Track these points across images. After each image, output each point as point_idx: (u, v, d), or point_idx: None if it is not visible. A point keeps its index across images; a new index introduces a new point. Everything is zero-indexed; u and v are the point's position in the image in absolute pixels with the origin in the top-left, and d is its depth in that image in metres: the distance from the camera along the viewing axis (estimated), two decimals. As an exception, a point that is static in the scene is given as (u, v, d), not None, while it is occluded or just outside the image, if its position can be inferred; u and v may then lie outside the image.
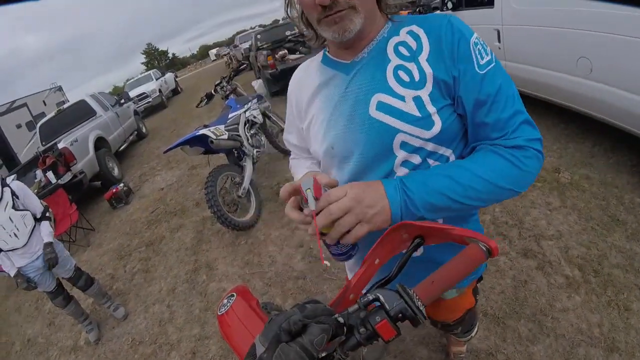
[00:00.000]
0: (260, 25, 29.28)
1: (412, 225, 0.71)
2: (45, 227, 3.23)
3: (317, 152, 1.12)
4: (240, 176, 4.43)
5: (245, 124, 4.85)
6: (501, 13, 4.36)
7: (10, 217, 3.07)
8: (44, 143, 8.98)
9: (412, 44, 0.94)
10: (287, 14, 1.08)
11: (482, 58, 0.90)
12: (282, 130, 6.05)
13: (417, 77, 0.91)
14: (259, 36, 11.57)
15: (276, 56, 9.54)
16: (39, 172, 6.82)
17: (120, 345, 3.40)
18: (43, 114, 14.09)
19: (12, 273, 3.09)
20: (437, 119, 0.91)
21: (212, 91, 5.96)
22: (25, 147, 12.29)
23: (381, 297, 0.61)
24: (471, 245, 0.66)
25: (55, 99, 17.66)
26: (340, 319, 0.60)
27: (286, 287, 3.26)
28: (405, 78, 0.93)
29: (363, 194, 0.83)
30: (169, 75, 23.53)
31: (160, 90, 18.71)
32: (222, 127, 4.52)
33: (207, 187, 3.95)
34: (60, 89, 19.36)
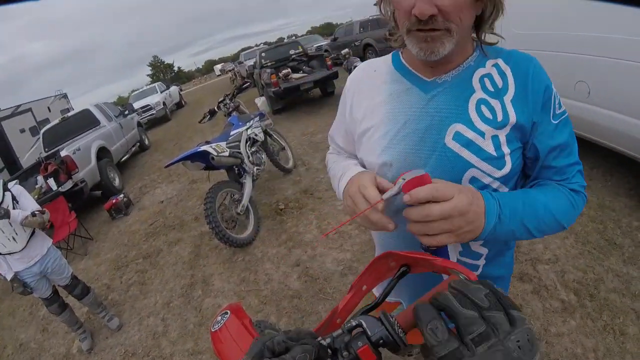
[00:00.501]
0: (265, 43, 29.44)
1: (399, 255, 0.74)
2: (19, 212, 3.11)
3: (370, 163, 1.05)
4: (239, 193, 4.47)
5: (246, 142, 4.91)
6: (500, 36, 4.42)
7: (9, 222, 3.10)
8: (46, 149, 9.04)
9: (498, 80, 0.93)
10: (380, 10, 0.99)
11: (559, 108, 0.95)
12: (282, 148, 6.12)
13: (499, 116, 0.90)
14: (263, 54, 11.73)
15: (280, 75, 9.64)
16: (40, 178, 6.86)
17: (112, 356, 3.41)
18: (47, 120, 14.15)
19: (9, 277, 3.12)
20: (508, 160, 0.91)
21: (215, 108, 6.04)
22: (28, 152, 12.33)
23: (364, 323, 0.63)
24: (452, 275, 0.69)
25: (60, 106, 17.71)
26: (324, 342, 0.63)
27: (281, 306, 3.28)
28: (488, 114, 0.91)
29: (469, 207, 0.78)
30: (174, 89, 23.64)
31: (164, 103, 18.76)
32: (223, 144, 4.58)
33: (206, 203, 4.00)
34: (65, 96, 19.42)
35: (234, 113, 5.82)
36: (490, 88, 0.92)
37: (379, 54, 14.04)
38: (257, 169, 4.90)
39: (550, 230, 0.93)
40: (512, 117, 0.90)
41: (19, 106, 14.45)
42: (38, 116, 15.09)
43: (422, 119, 0.94)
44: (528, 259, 2.99)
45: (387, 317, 0.62)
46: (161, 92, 20.07)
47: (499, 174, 0.91)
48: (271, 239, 4.37)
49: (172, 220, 5.91)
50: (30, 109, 14.89)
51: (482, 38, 0.95)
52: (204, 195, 4.17)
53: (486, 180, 0.92)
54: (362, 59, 11.27)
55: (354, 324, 0.64)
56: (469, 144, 0.90)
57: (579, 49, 3.33)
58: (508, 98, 0.91)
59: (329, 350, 0.63)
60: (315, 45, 18.03)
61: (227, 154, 4.42)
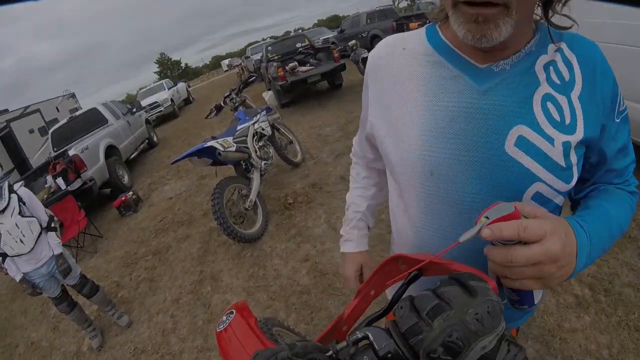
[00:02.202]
0: (271, 37, 29.42)
1: (411, 258, 0.68)
2: (53, 239, 3.28)
3: (400, 167, 0.86)
4: (247, 188, 4.44)
5: (253, 136, 4.87)
6: None
7: (16, 223, 3.11)
8: (55, 149, 9.09)
9: (564, 71, 0.77)
10: None
11: (622, 105, 0.81)
12: (290, 142, 6.08)
13: (568, 118, 0.75)
14: (269, 48, 11.71)
15: (286, 68, 9.59)
16: (49, 178, 6.90)
17: (122, 353, 3.41)
18: (56, 120, 14.23)
19: (18, 278, 3.13)
20: (575, 171, 0.77)
21: (222, 103, 6.01)
22: (37, 152, 12.43)
23: (370, 336, 0.58)
24: None
25: (68, 105, 17.84)
26: (331, 354, 0.59)
27: (290, 302, 3.25)
28: (556, 115, 0.75)
29: (562, 252, 0.62)
30: (181, 85, 23.69)
31: (172, 100, 18.79)
32: (230, 139, 4.55)
33: (214, 199, 3.97)
34: (73, 95, 19.56)
35: (241, 108, 5.79)
36: (557, 80, 0.76)
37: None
38: (264, 164, 4.86)
39: (616, 240, 0.81)
40: (580, 119, 0.75)
41: (27, 107, 14.58)
42: (47, 116, 15.21)
43: (474, 118, 0.76)
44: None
45: (396, 329, 0.56)
46: (169, 89, 20.11)
47: (566, 187, 0.77)
48: (280, 234, 4.34)
49: (181, 216, 5.91)
50: (38, 110, 15.02)
51: (550, 19, 0.76)
52: (212, 190, 4.14)
53: (551, 195, 0.78)
54: (370, 51, 11.16)
55: (359, 336, 0.59)
56: (536, 153, 0.74)
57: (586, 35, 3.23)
58: (575, 94, 0.76)
59: None
60: (322, 38, 17.92)
61: (233, 149, 4.39)
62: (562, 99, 0.75)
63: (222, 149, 4.22)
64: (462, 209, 0.80)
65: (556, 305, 2.50)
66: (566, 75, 0.76)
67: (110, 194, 7.67)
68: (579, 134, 0.75)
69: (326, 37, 18.58)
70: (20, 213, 3.16)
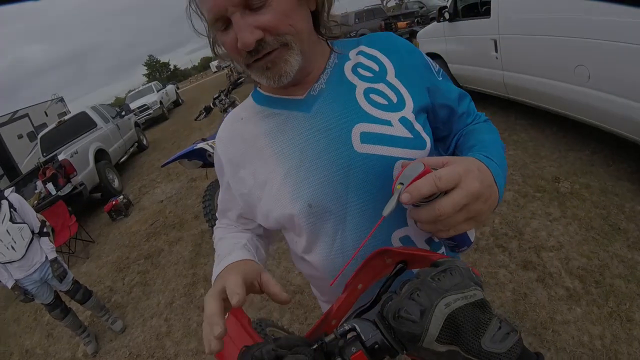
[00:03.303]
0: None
1: (396, 251, 0.70)
2: (46, 244, 3.27)
3: (281, 216, 0.88)
4: (238, 190, 4.43)
5: (244, 137, 4.87)
6: (498, 23, 4.42)
7: (7, 230, 3.09)
8: (44, 154, 9.06)
9: (372, 65, 0.88)
10: (215, 52, 0.89)
11: (435, 66, 0.94)
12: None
13: (393, 98, 0.84)
14: (258, 48, 11.66)
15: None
16: (39, 183, 6.87)
17: (117, 358, 3.41)
18: (44, 125, 14.14)
19: (10, 285, 3.12)
20: (425, 135, 0.84)
21: (211, 104, 5.99)
22: (27, 157, 12.33)
23: (357, 328, 0.60)
24: None
25: (57, 110, 17.70)
26: (317, 347, 0.60)
27: (283, 302, 3.24)
28: (382, 101, 0.83)
29: (481, 188, 0.64)
30: (170, 87, 23.63)
31: (161, 102, 18.76)
32: (220, 140, 4.54)
33: (205, 201, 3.97)
34: (62, 100, 19.42)
35: (230, 109, 5.77)
36: (368, 74, 0.86)
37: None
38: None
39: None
40: (404, 92, 0.85)
41: (16, 112, 14.47)
42: (35, 121, 15.10)
43: (318, 140, 0.83)
44: (532, 247, 2.96)
45: (382, 320, 0.58)
46: (158, 91, 20.06)
47: (424, 154, 0.83)
48: (272, 235, 4.33)
49: (172, 219, 5.90)
50: (27, 115, 14.91)
51: (325, 32, 0.87)
52: (202, 192, 4.14)
53: None
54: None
55: (347, 328, 0.61)
56: (381, 139, 0.80)
57: (577, 33, 3.28)
58: (391, 76, 0.86)
59: (323, 356, 0.60)
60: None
61: (223, 150, 4.39)
62: (380, 86, 0.84)
63: (212, 150, 4.22)
64: (353, 218, 0.84)
65: (547, 297, 2.53)
66: (374, 67, 0.87)
67: (100, 199, 7.62)
68: (409, 105, 0.84)
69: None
70: (11, 219, 3.15)
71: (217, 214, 1.12)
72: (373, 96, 0.83)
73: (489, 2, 4.54)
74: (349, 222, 0.84)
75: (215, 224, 3.26)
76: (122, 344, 3.56)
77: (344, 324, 0.62)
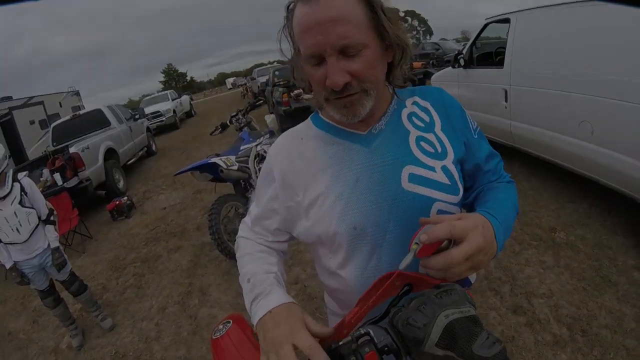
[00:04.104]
0: (278, 61, 29.77)
1: (407, 275, 0.79)
2: (51, 232, 3.32)
3: (325, 233, 0.96)
4: (244, 207, 4.51)
5: (255, 158, 4.96)
6: (510, 73, 4.61)
7: (15, 212, 3.14)
8: (54, 144, 9.15)
9: (424, 116, 1.00)
10: (294, 77, 1.01)
11: (473, 123, 1.06)
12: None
13: (439, 148, 0.97)
14: (277, 72, 11.90)
15: (291, 94, 9.71)
16: (45, 172, 6.95)
17: (102, 355, 3.42)
18: (57, 115, 14.31)
19: (8, 266, 3.15)
20: (459, 184, 0.96)
21: (228, 122, 6.10)
22: (35, 144, 12.43)
23: (371, 332, 0.71)
24: None
25: (72, 102, 17.92)
26: (332, 346, 0.74)
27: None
28: (429, 149, 0.96)
29: (485, 242, 0.75)
30: (185, 98, 23.89)
31: (174, 111, 18.96)
32: (233, 157, 4.64)
33: (211, 214, 4.04)
34: (77, 93, 19.67)
35: (245, 128, 5.89)
36: (420, 124, 0.99)
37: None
38: (263, 185, 4.91)
39: (515, 219, 0.99)
40: (447, 144, 0.98)
41: (31, 97, 14.63)
42: (49, 110, 15.26)
43: (372, 173, 0.94)
44: (523, 292, 3.03)
45: (393, 328, 0.71)
46: (172, 100, 20.31)
47: (457, 199, 0.96)
48: (271, 256, 4.36)
49: (174, 227, 5.94)
50: (42, 102, 15.07)
51: (392, 81, 0.99)
52: (207, 205, 4.21)
53: (449, 208, 0.95)
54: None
55: (362, 332, 0.73)
56: (425, 182, 0.93)
57: (585, 90, 3.46)
58: (438, 128, 0.99)
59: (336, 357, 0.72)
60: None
61: (235, 167, 4.48)
62: (430, 136, 0.98)
63: (224, 166, 4.31)
64: (390, 245, 0.95)
65: (534, 342, 2.58)
66: (426, 118, 1.00)
67: (104, 197, 7.68)
68: (451, 156, 0.97)
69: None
70: (20, 202, 3.20)
71: (246, 220, 1.17)
72: (423, 144, 0.96)
73: (504, 53, 4.75)
74: (385, 247, 0.95)
75: (218, 237, 3.23)
76: (109, 341, 3.57)
77: (360, 329, 0.74)
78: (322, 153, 0.99)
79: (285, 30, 0.90)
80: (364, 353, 0.69)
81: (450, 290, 0.68)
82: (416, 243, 0.72)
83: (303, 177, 0.99)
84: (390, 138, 0.97)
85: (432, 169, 0.94)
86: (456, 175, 0.97)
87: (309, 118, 1.10)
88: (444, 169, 0.95)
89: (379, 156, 0.95)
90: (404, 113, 1.00)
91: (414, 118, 1.00)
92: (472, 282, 1.03)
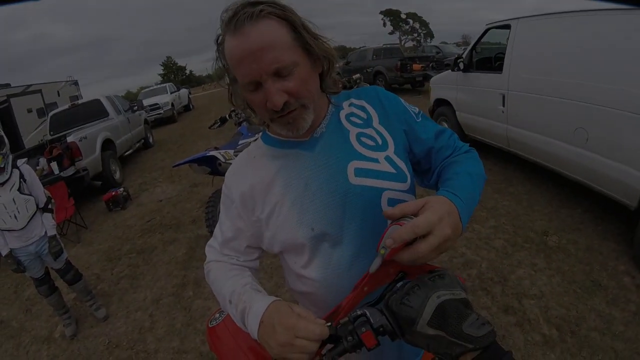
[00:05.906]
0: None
1: (399, 263, 0.82)
2: (48, 220, 3.34)
3: (288, 238, 1.02)
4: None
5: (253, 153, 4.97)
6: (508, 79, 4.69)
7: (13, 199, 3.14)
8: (52, 133, 9.13)
9: (361, 113, 1.08)
10: (232, 102, 1.08)
11: (415, 109, 1.13)
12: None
13: (379, 140, 1.03)
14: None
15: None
16: (42, 160, 6.94)
17: (95, 345, 3.43)
18: (55, 104, 14.25)
19: (4, 253, 3.16)
20: (405, 170, 1.02)
21: (227, 116, 6.12)
22: (32, 132, 12.38)
23: (367, 313, 0.76)
24: None
25: (70, 92, 17.82)
26: (330, 325, 0.79)
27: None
28: (370, 143, 1.03)
29: (450, 230, 0.77)
30: (184, 91, 23.82)
31: (172, 104, 18.92)
32: (231, 151, 4.66)
33: (208, 207, 4.07)
34: (76, 83, 19.56)
35: (244, 123, 5.91)
36: (359, 121, 1.06)
37: (388, 82, 14.44)
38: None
39: (482, 186, 1.04)
40: (387, 135, 1.05)
41: (29, 85, 14.57)
42: (47, 99, 15.17)
43: (320, 174, 1.00)
44: (514, 293, 3.08)
45: (388, 309, 0.76)
46: (171, 93, 20.26)
47: (405, 186, 1.01)
48: (267, 250, 4.38)
49: (170, 219, 5.95)
50: (40, 91, 14.99)
51: (326, 89, 1.05)
52: (203, 198, 4.23)
53: (400, 196, 1.00)
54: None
55: (359, 313, 0.78)
56: (371, 173, 0.98)
57: (581, 97, 3.54)
58: (376, 122, 1.06)
59: (334, 337, 0.78)
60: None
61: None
62: (369, 131, 1.05)
63: (223, 159, 4.33)
64: (348, 240, 1.00)
65: (524, 342, 2.63)
66: (363, 115, 1.08)
67: (100, 187, 7.70)
68: (392, 146, 1.04)
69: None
70: (19, 189, 3.20)
71: (212, 244, 1.19)
72: (363, 139, 1.03)
73: (503, 59, 4.82)
74: (346, 241, 1.00)
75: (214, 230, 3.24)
76: (102, 331, 3.59)
77: (356, 310, 0.79)
78: (272, 166, 1.05)
79: (219, 62, 0.98)
80: (361, 332, 0.74)
81: (442, 274, 0.75)
82: (383, 247, 0.76)
83: (258, 192, 1.05)
84: (332, 139, 1.03)
85: (376, 160, 1.00)
86: (401, 163, 1.03)
87: (259, 137, 1.17)
88: (387, 159, 1.01)
89: (324, 157, 1.01)
90: (342, 114, 1.07)
91: (352, 117, 1.07)
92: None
